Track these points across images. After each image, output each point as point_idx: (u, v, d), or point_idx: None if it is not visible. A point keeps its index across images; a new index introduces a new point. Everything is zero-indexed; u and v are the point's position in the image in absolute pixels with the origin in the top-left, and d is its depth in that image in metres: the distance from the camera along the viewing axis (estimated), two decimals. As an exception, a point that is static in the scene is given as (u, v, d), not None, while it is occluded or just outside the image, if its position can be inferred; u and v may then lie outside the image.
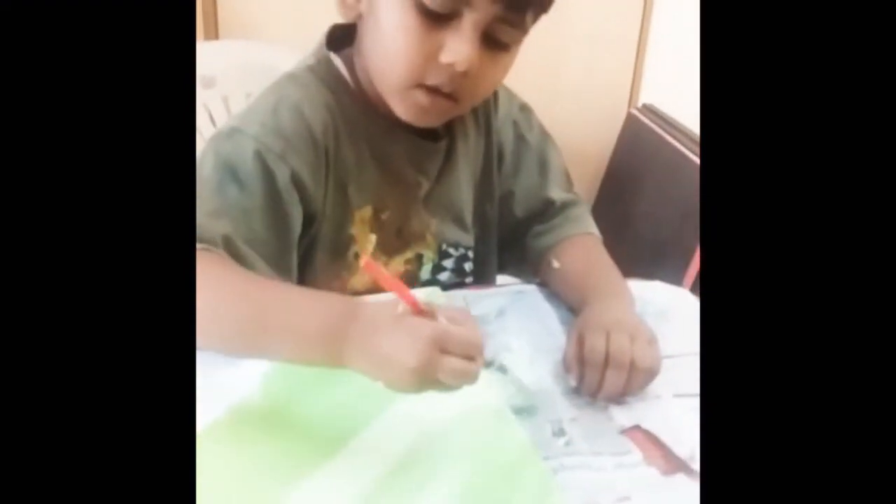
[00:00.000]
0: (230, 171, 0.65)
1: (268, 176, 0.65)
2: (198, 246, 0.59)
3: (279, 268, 0.67)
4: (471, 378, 0.52)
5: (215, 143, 0.67)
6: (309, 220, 0.70)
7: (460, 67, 0.63)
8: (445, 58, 0.63)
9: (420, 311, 0.53)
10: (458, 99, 0.67)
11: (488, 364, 0.57)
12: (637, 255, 1.64)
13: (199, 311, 0.56)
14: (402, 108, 0.68)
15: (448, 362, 0.50)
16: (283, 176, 0.66)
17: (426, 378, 0.51)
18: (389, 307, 0.53)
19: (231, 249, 0.63)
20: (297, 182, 0.67)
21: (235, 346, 0.57)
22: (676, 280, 1.48)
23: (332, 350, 0.53)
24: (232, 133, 0.67)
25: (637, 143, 1.78)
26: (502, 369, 0.57)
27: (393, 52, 0.65)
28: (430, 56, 0.64)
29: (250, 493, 0.54)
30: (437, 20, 0.63)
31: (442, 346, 0.50)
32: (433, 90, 0.65)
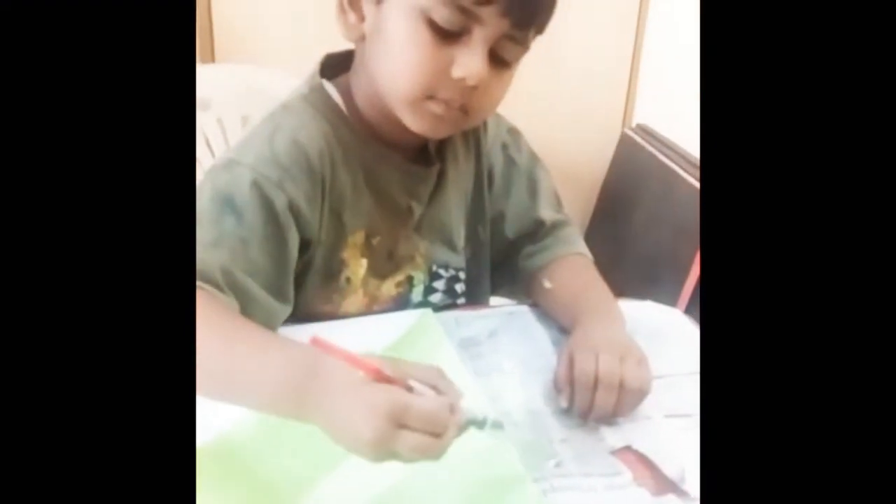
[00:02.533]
0: (227, 202, 0.65)
1: (265, 205, 0.66)
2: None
3: (277, 295, 0.68)
4: (432, 454, 0.49)
5: (212, 175, 0.68)
6: (304, 246, 0.71)
7: (471, 82, 0.64)
8: (457, 72, 0.64)
9: (383, 377, 0.49)
10: (469, 112, 0.68)
11: (481, 424, 0.53)
12: (632, 274, 1.64)
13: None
14: (416, 119, 0.69)
15: (406, 438, 0.48)
16: (280, 204, 0.67)
17: (382, 451, 0.48)
18: (352, 369, 0.51)
19: (229, 280, 0.63)
20: (294, 210, 0.68)
21: (208, 393, 0.56)
22: (671, 299, 1.48)
23: (293, 405, 0.52)
24: (229, 164, 0.68)
25: (631, 163, 1.78)
26: (497, 425, 0.54)
27: (404, 67, 0.66)
28: (442, 70, 0.65)
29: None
30: (447, 37, 0.64)
31: (400, 420, 0.47)
32: (446, 103, 0.66)
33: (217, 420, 0.60)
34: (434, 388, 0.51)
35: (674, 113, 1.62)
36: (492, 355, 0.74)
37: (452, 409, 0.50)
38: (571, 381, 0.66)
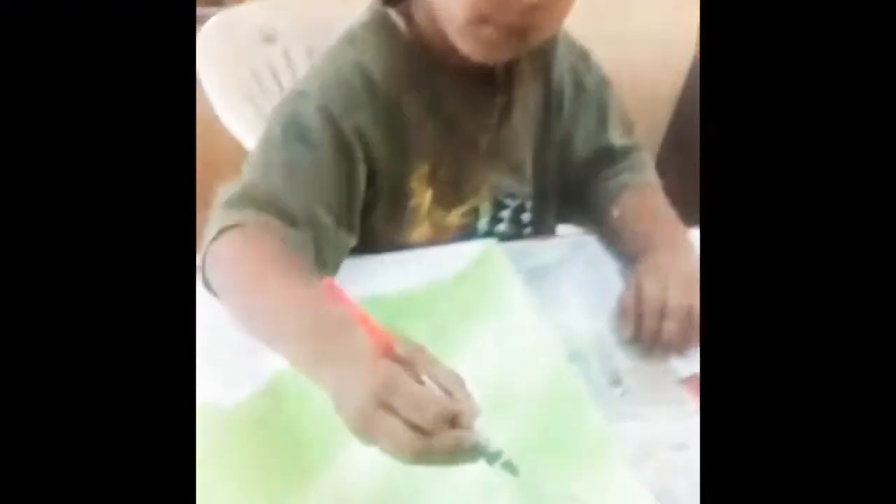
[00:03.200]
0: (296, 130, 0.66)
1: (334, 131, 0.66)
2: (240, 218, 0.61)
3: (346, 225, 0.68)
4: (410, 450, 0.43)
5: (280, 107, 0.69)
6: (371, 174, 0.71)
7: (529, 1, 0.62)
8: None
9: (392, 354, 0.45)
10: (527, 34, 0.66)
11: (491, 457, 0.45)
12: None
13: (224, 289, 0.59)
14: (471, 44, 0.66)
15: (387, 422, 0.43)
16: (349, 130, 0.67)
17: (363, 430, 0.44)
18: (363, 340, 0.47)
19: (306, 214, 0.64)
20: (361, 137, 0.68)
21: (251, 333, 0.58)
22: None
23: (314, 369, 0.51)
24: (295, 96, 0.68)
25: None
26: (509, 467, 0.45)
27: None
28: None
29: (288, 468, 0.55)
30: None
31: (386, 399, 0.43)
32: (501, 26, 0.64)
33: (264, 370, 0.61)
34: (450, 392, 0.45)
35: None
36: (558, 286, 0.74)
37: (457, 420, 0.44)
38: (639, 309, 0.66)
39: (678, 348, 0.66)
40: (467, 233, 0.79)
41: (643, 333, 0.65)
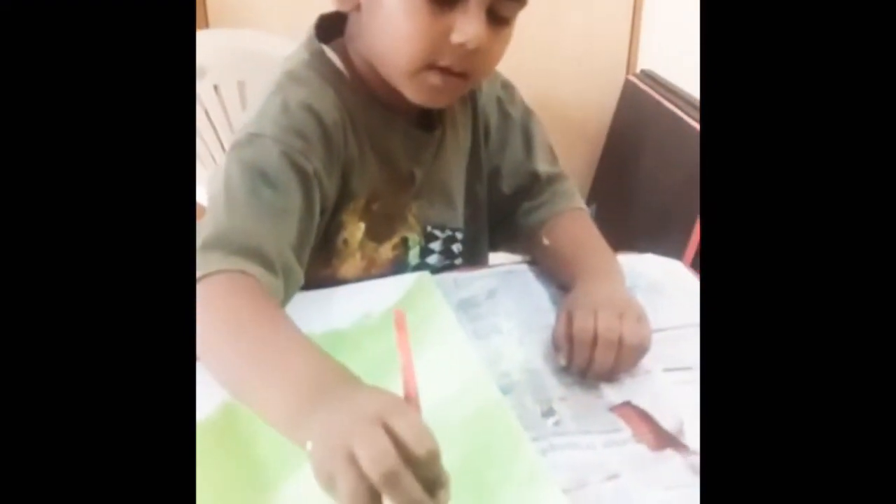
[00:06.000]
0: (260, 175, 0.65)
1: (298, 175, 0.66)
2: (221, 265, 0.59)
3: (301, 262, 0.68)
4: (382, 468, 0.41)
5: (236, 152, 0.67)
6: (322, 210, 0.70)
7: (471, 46, 0.63)
8: (457, 38, 0.64)
9: (412, 400, 0.48)
10: (469, 76, 0.68)
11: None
12: (639, 224, 1.63)
13: (205, 341, 0.56)
14: (415, 91, 0.68)
15: (371, 431, 0.43)
16: (310, 173, 0.66)
17: (336, 448, 0.43)
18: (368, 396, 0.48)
19: (282, 259, 0.63)
20: (318, 178, 0.67)
21: (222, 384, 0.56)
22: (679, 249, 1.47)
23: (296, 424, 0.49)
24: (251, 139, 0.67)
25: (636, 110, 1.76)
26: None
27: (403, 37, 0.65)
28: (441, 38, 0.64)
29: (244, 488, 0.54)
30: (443, 3, 0.63)
31: (385, 417, 0.43)
32: (444, 70, 0.65)
33: (216, 395, 0.60)
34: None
35: (678, 58, 1.59)
36: (490, 316, 0.74)
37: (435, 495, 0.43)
38: (570, 339, 0.66)
39: (609, 376, 0.66)
40: (398, 266, 0.79)
41: (575, 363, 0.66)
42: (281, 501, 0.54)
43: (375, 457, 0.42)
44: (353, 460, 0.42)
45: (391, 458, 0.42)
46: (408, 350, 0.49)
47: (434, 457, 0.44)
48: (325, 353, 0.54)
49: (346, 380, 0.51)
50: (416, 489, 0.42)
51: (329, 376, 0.51)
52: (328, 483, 0.43)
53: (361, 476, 0.41)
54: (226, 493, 0.54)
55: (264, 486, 0.55)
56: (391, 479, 0.41)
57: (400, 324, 0.48)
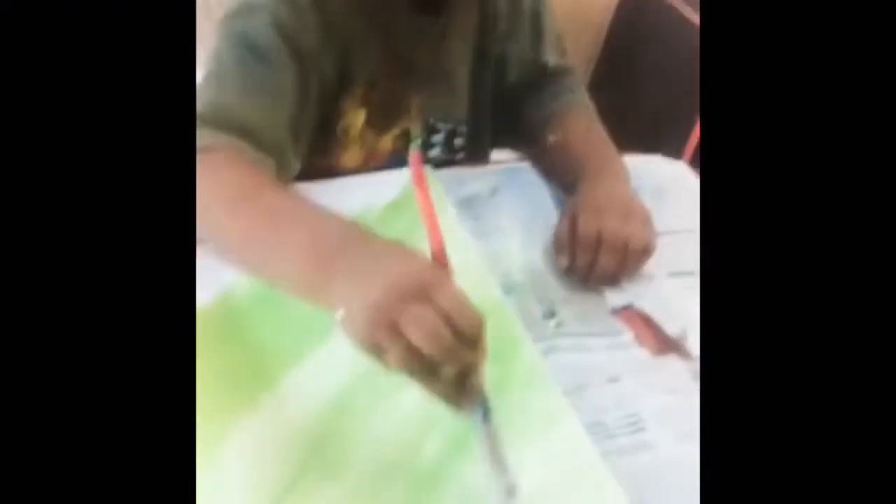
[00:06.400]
0: (251, 48, 0.61)
1: (290, 51, 0.62)
2: (213, 141, 0.56)
3: (299, 148, 0.65)
4: (419, 368, 0.42)
5: (229, 22, 0.63)
6: (319, 93, 0.67)
7: None
8: None
9: (439, 254, 0.46)
10: None
11: (485, 413, 0.45)
12: (638, 124, 1.60)
13: (201, 215, 0.54)
14: None
15: (418, 310, 0.41)
16: (305, 49, 0.63)
17: (376, 330, 0.41)
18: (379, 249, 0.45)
19: (269, 136, 0.60)
20: (314, 58, 0.64)
21: (230, 260, 0.54)
22: (678, 149, 1.45)
23: (320, 281, 0.46)
24: (243, 9, 0.63)
25: (637, 7, 1.69)
26: (489, 421, 0.45)
27: None
28: None
29: (247, 378, 0.54)
30: None
31: (425, 292, 0.42)
32: None
33: (217, 280, 0.59)
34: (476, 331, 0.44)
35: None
36: (492, 214, 0.72)
37: (473, 352, 0.43)
38: (573, 241, 0.65)
39: (612, 280, 0.65)
40: (398, 158, 0.76)
41: (578, 265, 0.64)
42: (285, 390, 0.53)
43: (427, 336, 0.41)
44: (400, 333, 0.41)
45: (444, 336, 0.41)
46: (430, 206, 0.46)
47: (480, 327, 0.44)
48: (334, 212, 0.50)
49: (363, 236, 0.47)
50: (466, 355, 0.43)
51: (344, 232, 0.48)
52: (375, 351, 0.42)
53: (411, 347, 0.41)
54: (229, 383, 0.54)
55: (268, 376, 0.54)
56: (444, 354, 0.41)
57: (420, 181, 0.46)
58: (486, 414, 0.45)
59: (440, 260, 0.47)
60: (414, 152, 0.45)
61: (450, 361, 0.42)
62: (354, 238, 0.47)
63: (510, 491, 0.44)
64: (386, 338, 0.41)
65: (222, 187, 0.54)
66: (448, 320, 0.41)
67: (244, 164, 0.57)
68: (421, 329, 0.41)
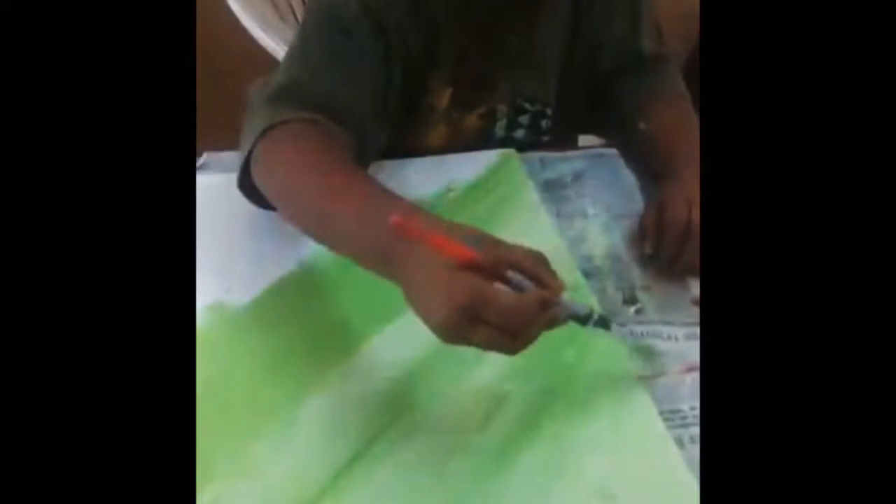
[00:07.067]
0: (336, 22, 0.63)
1: (374, 24, 0.63)
2: (290, 115, 0.58)
3: (383, 123, 0.66)
4: (507, 350, 0.45)
5: None
6: (402, 73, 0.67)
7: None
8: None
9: (475, 264, 0.45)
10: None
11: (584, 319, 0.49)
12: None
13: (279, 189, 0.56)
14: None
15: (480, 331, 0.44)
16: (389, 22, 0.64)
17: (453, 338, 0.45)
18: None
19: (348, 111, 0.61)
20: (398, 32, 0.64)
21: (308, 234, 0.56)
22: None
23: (379, 264, 0.49)
24: None
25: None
26: (602, 322, 0.50)
27: None
28: None
29: (327, 346, 0.56)
30: None
31: (477, 314, 0.43)
32: None
33: (298, 249, 0.61)
34: (535, 277, 0.46)
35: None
36: (576, 199, 0.71)
37: (547, 303, 0.46)
38: (660, 228, 0.64)
39: (697, 269, 0.64)
40: (484, 137, 0.76)
41: (663, 253, 0.63)
42: (363, 359, 0.54)
43: (505, 321, 0.44)
44: (481, 321, 0.43)
45: (522, 313, 0.44)
46: (434, 233, 0.46)
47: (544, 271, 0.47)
48: (394, 193, 0.52)
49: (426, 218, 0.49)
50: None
51: (401, 212, 0.47)
52: (460, 341, 0.45)
53: (496, 328, 0.44)
54: (312, 349, 0.55)
55: (347, 344, 0.56)
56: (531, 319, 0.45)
57: (404, 229, 0.45)
58: (605, 322, 0.50)
59: (476, 265, 0.45)
60: (396, 218, 0.45)
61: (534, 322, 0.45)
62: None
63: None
64: (468, 328, 0.44)
65: (293, 160, 0.56)
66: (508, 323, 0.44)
67: (318, 137, 0.58)
68: (499, 315, 0.44)
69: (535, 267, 0.47)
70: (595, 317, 0.49)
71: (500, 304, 0.44)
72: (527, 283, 0.46)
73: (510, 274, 0.46)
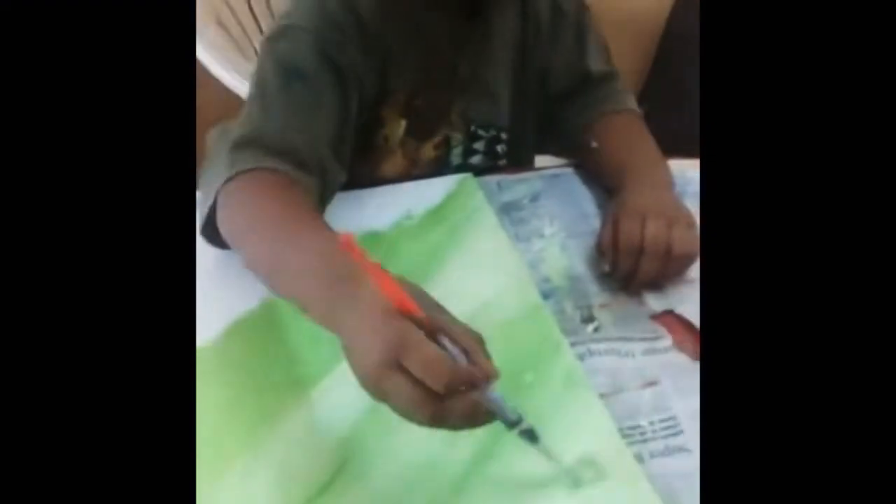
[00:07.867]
0: (293, 71, 0.63)
1: (331, 69, 0.64)
2: (255, 164, 0.58)
3: (342, 162, 0.66)
4: (421, 413, 0.41)
5: (270, 46, 0.65)
6: (360, 105, 0.68)
7: None
8: None
9: (411, 313, 0.42)
10: None
11: (510, 424, 0.44)
12: (692, 127, 1.57)
13: (238, 237, 0.57)
14: None
15: (398, 382, 0.40)
16: (345, 65, 0.65)
17: (373, 387, 0.41)
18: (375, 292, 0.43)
19: (312, 157, 0.62)
20: (353, 72, 0.65)
21: (264, 283, 0.55)
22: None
23: (327, 318, 0.47)
24: (284, 31, 0.65)
25: (694, 7, 1.67)
26: (528, 435, 0.45)
27: None
28: None
29: (280, 387, 0.56)
30: None
31: (400, 357, 0.40)
32: None
33: (257, 290, 0.61)
34: (470, 353, 0.43)
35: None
36: (533, 220, 0.72)
37: (474, 382, 0.42)
38: (615, 246, 0.65)
39: (654, 285, 0.65)
40: (440, 166, 0.78)
41: (620, 270, 0.64)
42: (320, 396, 0.55)
43: (428, 375, 0.40)
44: (402, 370, 0.40)
45: (447, 374, 0.40)
46: (372, 265, 0.44)
47: (477, 351, 0.43)
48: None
49: (348, 275, 0.46)
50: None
51: (341, 271, 0.46)
52: (380, 393, 0.42)
53: (416, 383, 0.40)
54: (267, 387, 0.56)
55: (305, 381, 0.56)
56: (454, 385, 0.41)
57: (351, 247, 0.43)
58: (531, 435, 0.45)
59: (409, 311, 0.43)
60: (343, 236, 0.43)
61: (456, 394, 0.41)
62: (350, 277, 0.45)
63: (576, 482, 0.49)
64: (393, 381, 0.41)
65: (252, 209, 0.57)
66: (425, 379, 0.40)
67: (278, 187, 0.58)
68: (426, 366, 0.40)
69: (472, 344, 0.43)
70: (523, 425, 0.44)
71: (426, 355, 0.40)
72: (459, 356, 0.42)
73: (445, 341, 0.42)
